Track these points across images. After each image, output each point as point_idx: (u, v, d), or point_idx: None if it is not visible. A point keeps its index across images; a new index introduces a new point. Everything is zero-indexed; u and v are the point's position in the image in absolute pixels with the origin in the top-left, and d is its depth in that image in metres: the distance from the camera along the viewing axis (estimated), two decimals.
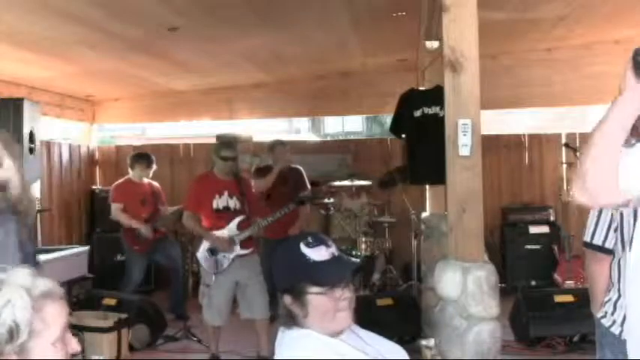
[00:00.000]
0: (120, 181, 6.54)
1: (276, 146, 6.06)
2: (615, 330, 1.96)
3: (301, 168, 6.27)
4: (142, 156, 6.59)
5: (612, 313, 1.97)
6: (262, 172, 6.01)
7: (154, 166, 6.56)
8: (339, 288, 1.72)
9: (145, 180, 6.51)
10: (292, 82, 8.01)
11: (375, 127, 19.48)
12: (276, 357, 1.77)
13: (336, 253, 1.76)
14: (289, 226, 5.70)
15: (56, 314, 1.43)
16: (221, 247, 4.87)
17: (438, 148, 4.48)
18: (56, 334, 1.42)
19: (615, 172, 1.50)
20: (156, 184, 6.65)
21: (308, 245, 1.75)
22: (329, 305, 1.71)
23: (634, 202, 1.58)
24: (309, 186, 6.19)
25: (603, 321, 1.98)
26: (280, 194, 5.71)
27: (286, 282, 1.79)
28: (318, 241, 1.76)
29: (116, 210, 6.31)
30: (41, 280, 1.46)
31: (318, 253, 1.74)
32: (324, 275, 1.72)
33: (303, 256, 1.73)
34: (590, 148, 1.52)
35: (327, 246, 1.76)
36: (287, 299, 1.76)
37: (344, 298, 1.73)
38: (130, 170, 6.50)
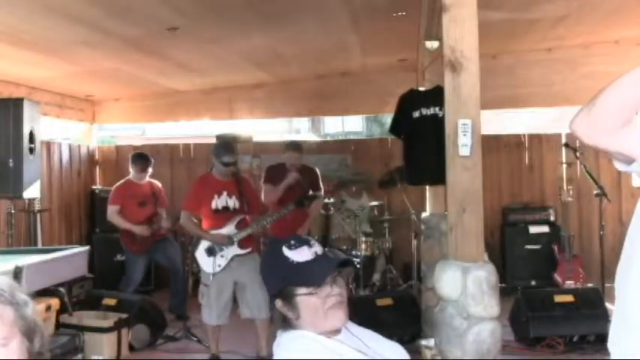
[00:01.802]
0: (120, 182, 6.54)
1: (287, 149, 5.75)
2: None
3: (316, 169, 6.02)
4: (139, 157, 6.55)
5: None
6: (274, 173, 5.71)
7: (150, 169, 6.53)
8: (327, 285, 1.72)
9: (146, 180, 6.50)
10: (292, 82, 8.01)
11: (375, 127, 19.50)
12: (275, 355, 1.77)
13: (320, 252, 1.77)
14: (298, 226, 5.53)
15: None
16: (220, 243, 4.88)
17: (435, 150, 4.49)
18: None
19: (625, 116, 1.49)
20: (157, 183, 6.64)
21: (290, 247, 1.76)
22: (318, 304, 1.71)
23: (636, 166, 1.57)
24: (322, 187, 5.98)
25: None
26: (293, 195, 5.54)
27: (275, 286, 1.80)
28: (300, 242, 1.77)
29: (112, 212, 6.30)
30: None
31: (301, 254, 1.74)
32: (309, 275, 1.72)
33: (287, 259, 1.74)
34: (611, 85, 1.50)
35: (310, 246, 1.76)
36: (278, 303, 1.77)
37: (333, 294, 1.72)
38: (130, 169, 6.51)
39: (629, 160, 1.58)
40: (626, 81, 1.50)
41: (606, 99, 1.50)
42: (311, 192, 5.76)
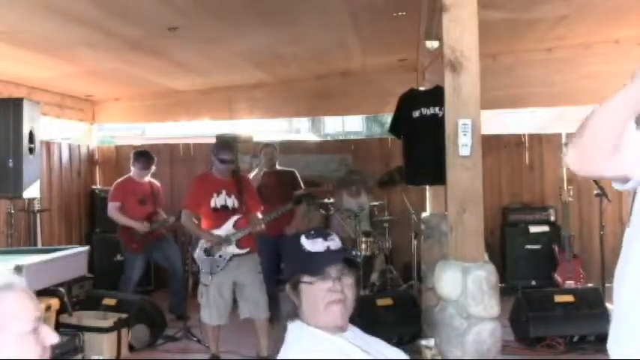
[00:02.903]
0: (121, 179, 6.55)
1: (262, 148, 6.40)
2: None
3: (295, 170, 6.45)
4: (141, 155, 6.54)
5: None
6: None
7: (153, 167, 6.54)
8: (330, 280, 1.76)
9: (147, 179, 6.50)
10: (292, 82, 8.01)
11: (375, 127, 19.48)
12: (281, 351, 1.80)
13: (333, 247, 1.81)
14: (285, 225, 5.92)
15: (19, 306, 1.38)
16: (214, 245, 4.89)
17: (435, 149, 4.49)
18: (23, 326, 1.37)
19: (613, 144, 1.49)
20: (157, 183, 6.64)
21: (308, 237, 1.83)
22: (318, 296, 1.76)
23: (634, 182, 1.57)
24: (302, 186, 6.36)
25: None
26: (275, 196, 5.91)
27: (288, 271, 1.89)
28: (317, 234, 1.83)
29: (112, 208, 6.31)
30: None
31: (314, 245, 1.80)
32: (314, 265, 1.77)
33: (301, 246, 1.81)
34: (594, 115, 1.51)
35: (325, 239, 1.82)
36: (287, 287, 1.83)
37: (335, 290, 1.75)
38: (132, 167, 6.51)
39: (625, 180, 1.59)
40: (608, 108, 1.50)
41: (593, 130, 1.50)
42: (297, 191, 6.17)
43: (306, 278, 1.77)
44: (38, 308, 1.42)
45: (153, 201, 6.45)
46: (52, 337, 1.42)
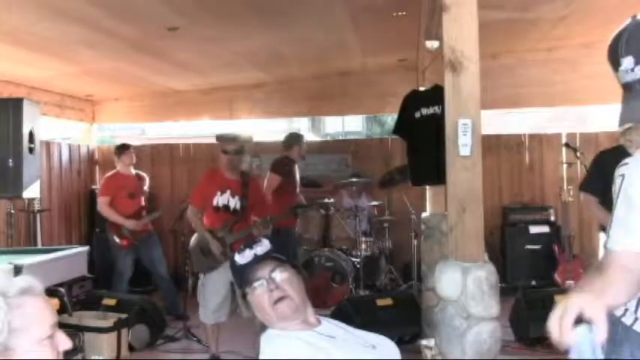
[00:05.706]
0: (109, 173, 6.55)
1: (298, 139, 6.68)
2: (638, 327, 1.91)
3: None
4: (118, 147, 6.60)
5: (635, 311, 1.91)
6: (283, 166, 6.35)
7: (127, 158, 6.45)
8: (262, 284, 1.82)
9: (133, 172, 6.49)
10: (292, 82, 8.01)
11: (375, 127, 19.50)
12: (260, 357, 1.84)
13: (260, 252, 1.88)
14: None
15: (39, 310, 1.39)
16: (215, 251, 4.82)
17: (436, 149, 4.47)
18: (42, 331, 1.38)
19: None
20: (143, 175, 6.62)
21: (239, 252, 1.91)
22: (262, 301, 1.82)
23: None
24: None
25: (624, 319, 1.91)
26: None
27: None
28: (245, 247, 1.91)
29: (102, 204, 6.28)
30: (19, 278, 1.43)
31: (243, 258, 1.88)
32: (246, 276, 1.86)
33: (235, 262, 1.90)
34: None
35: (252, 248, 1.89)
36: (241, 302, 1.97)
37: (271, 289, 1.81)
38: (118, 163, 6.52)
39: None
40: None
41: None
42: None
43: (247, 289, 1.84)
44: (55, 314, 1.43)
45: (142, 194, 6.44)
46: (66, 343, 1.44)
